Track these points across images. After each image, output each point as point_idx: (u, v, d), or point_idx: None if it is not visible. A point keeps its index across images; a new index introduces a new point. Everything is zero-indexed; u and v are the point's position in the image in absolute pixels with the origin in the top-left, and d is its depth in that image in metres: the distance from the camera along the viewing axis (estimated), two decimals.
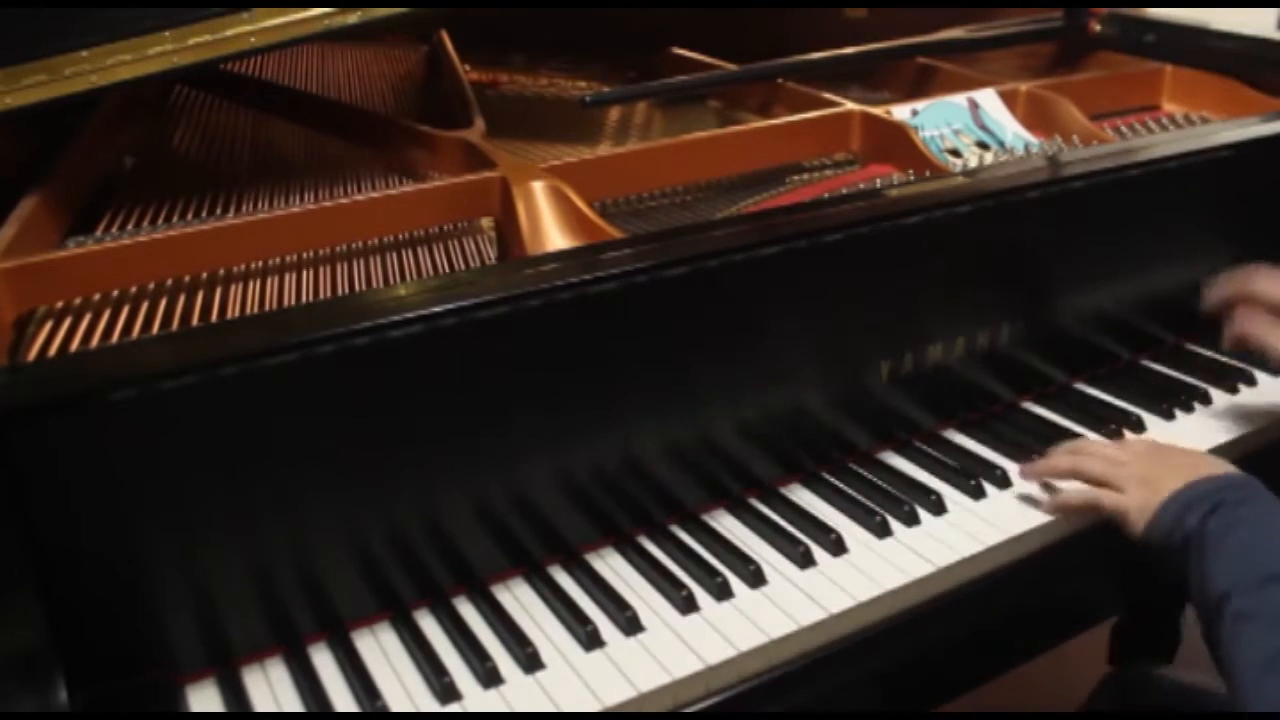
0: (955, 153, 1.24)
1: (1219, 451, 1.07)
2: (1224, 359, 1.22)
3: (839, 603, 0.86)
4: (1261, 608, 0.78)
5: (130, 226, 1.03)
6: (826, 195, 1.12)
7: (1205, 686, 1.04)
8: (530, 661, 0.80)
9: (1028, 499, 0.99)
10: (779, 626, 0.84)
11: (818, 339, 0.98)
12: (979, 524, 0.96)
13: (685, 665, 0.80)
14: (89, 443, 0.70)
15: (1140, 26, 1.56)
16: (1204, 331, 1.26)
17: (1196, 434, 1.09)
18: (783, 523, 0.95)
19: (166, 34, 0.93)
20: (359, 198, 1.02)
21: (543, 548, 0.90)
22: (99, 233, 1.02)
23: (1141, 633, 1.72)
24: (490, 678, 0.79)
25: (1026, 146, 1.25)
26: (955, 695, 1.02)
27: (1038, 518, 0.96)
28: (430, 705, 0.77)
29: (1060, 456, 0.99)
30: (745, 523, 0.96)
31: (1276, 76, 1.39)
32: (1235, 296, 1.05)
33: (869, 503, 0.98)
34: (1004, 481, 1.01)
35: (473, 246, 1.04)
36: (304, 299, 0.94)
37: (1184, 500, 0.87)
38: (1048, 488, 0.99)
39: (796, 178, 1.22)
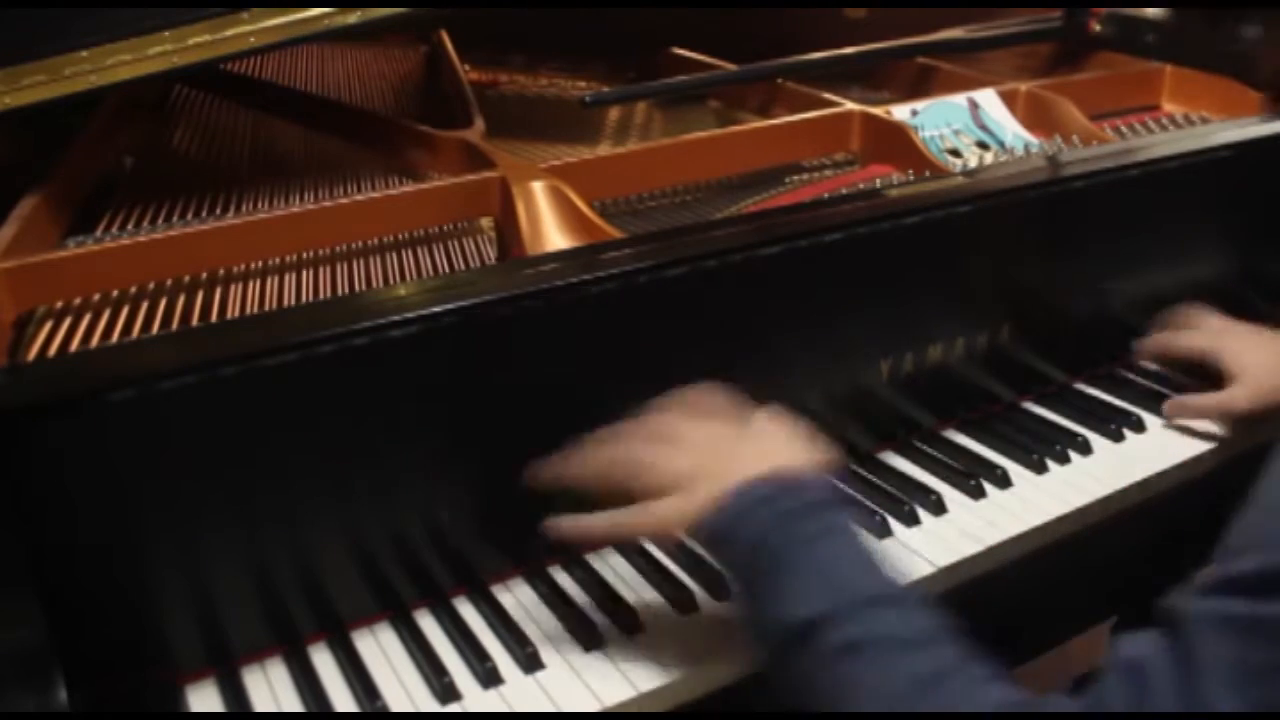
0: (955, 153, 1.24)
1: (1226, 446, 1.07)
2: None
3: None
4: (873, 634, 0.66)
5: (130, 226, 1.03)
6: (826, 195, 1.12)
7: None
8: (530, 661, 0.80)
9: (1027, 499, 0.99)
10: None
11: (817, 339, 0.98)
12: (979, 524, 0.96)
13: (685, 665, 0.80)
14: (89, 443, 0.70)
15: (1140, 26, 1.56)
16: None
17: (1196, 434, 1.09)
18: None
19: (166, 34, 0.93)
20: (359, 198, 1.02)
21: (544, 548, 0.90)
22: (99, 233, 1.02)
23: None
24: (490, 678, 0.79)
25: (1026, 146, 1.25)
26: None
27: (1037, 518, 0.96)
28: (430, 705, 0.77)
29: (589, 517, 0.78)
30: None
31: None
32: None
33: (869, 502, 0.98)
34: (1004, 481, 1.01)
35: (473, 246, 1.04)
36: (304, 299, 0.94)
37: (754, 496, 0.71)
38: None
39: (796, 178, 1.22)
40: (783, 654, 0.68)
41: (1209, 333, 1.09)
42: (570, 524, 0.77)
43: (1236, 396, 1.03)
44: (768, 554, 0.69)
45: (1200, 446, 1.07)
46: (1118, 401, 1.15)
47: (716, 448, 0.75)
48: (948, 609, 0.91)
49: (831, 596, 0.67)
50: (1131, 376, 1.19)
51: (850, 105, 1.27)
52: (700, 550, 0.92)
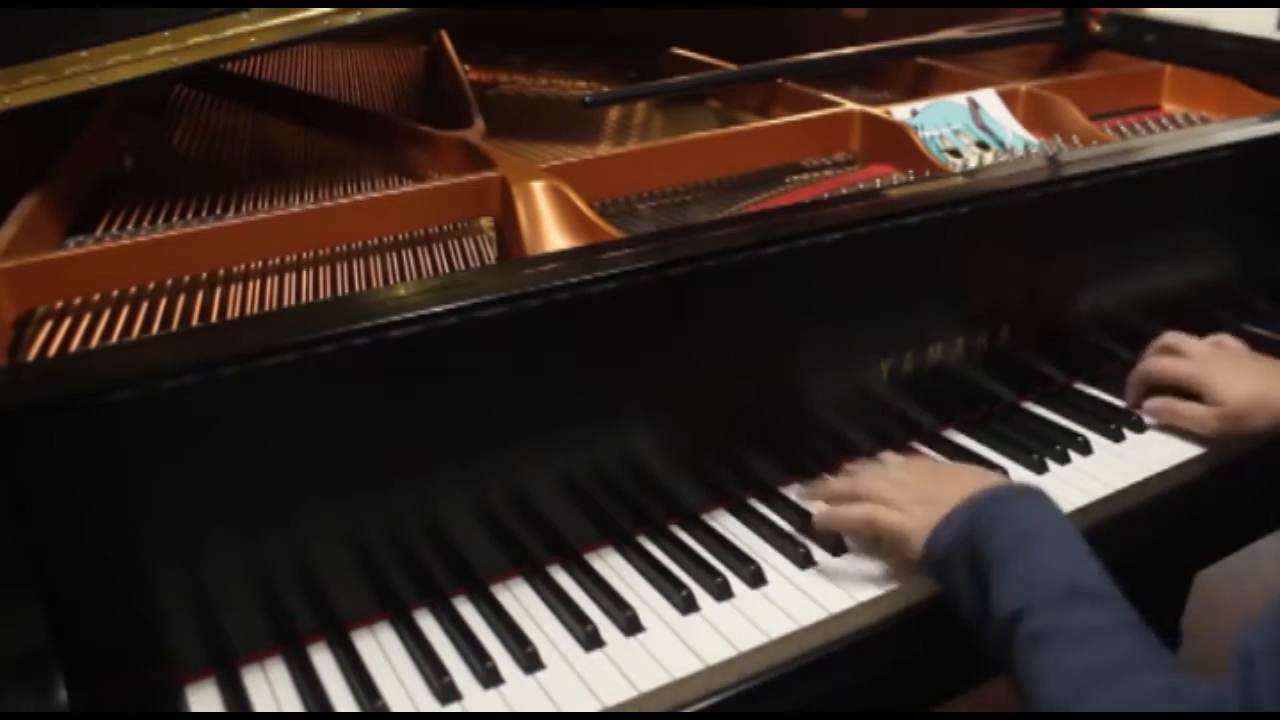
0: (955, 153, 1.24)
1: (1227, 446, 1.07)
2: None
3: (839, 602, 0.86)
4: (1062, 624, 0.73)
5: (130, 226, 1.03)
6: (826, 195, 1.13)
7: None
8: (530, 661, 0.80)
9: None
10: (779, 626, 0.84)
11: (818, 339, 0.98)
12: None
13: (685, 665, 0.80)
14: (89, 443, 0.70)
15: (1140, 26, 1.56)
16: (1204, 331, 1.26)
17: (1197, 434, 1.09)
18: (782, 523, 0.95)
19: (166, 34, 0.93)
20: (359, 198, 1.02)
21: (543, 548, 0.90)
22: (99, 233, 1.02)
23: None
24: (490, 678, 0.79)
25: (1026, 146, 1.25)
26: (955, 695, 1.02)
27: None
28: (430, 705, 0.77)
29: (840, 480, 0.95)
30: (745, 523, 0.96)
31: (1276, 76, 1.39)
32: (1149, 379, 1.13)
33: None
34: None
35: (473, 246, 1.04)
36: (304, 299, 0.94)
37: (964, 516, 0.82)
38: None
39: (796, 178, 1.22)
40: (998, 647, 0.76)
41: (1194, 360, 1.10)
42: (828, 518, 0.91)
43: (1211, 418, 1.05)
44: (981, 564, 0.78)
45: (1201, 447, 1.07)
46: (1118, 401, 1.15)
47: (942, 477, 0.90)
48: (947, 608, 0.91)
49: (1028, 592, 0.75)
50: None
51: (850, 105, 1.27)
52: (700, 550, 0.92)
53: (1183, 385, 1.09)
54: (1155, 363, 1.12)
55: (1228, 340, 1.14)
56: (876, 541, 0.90)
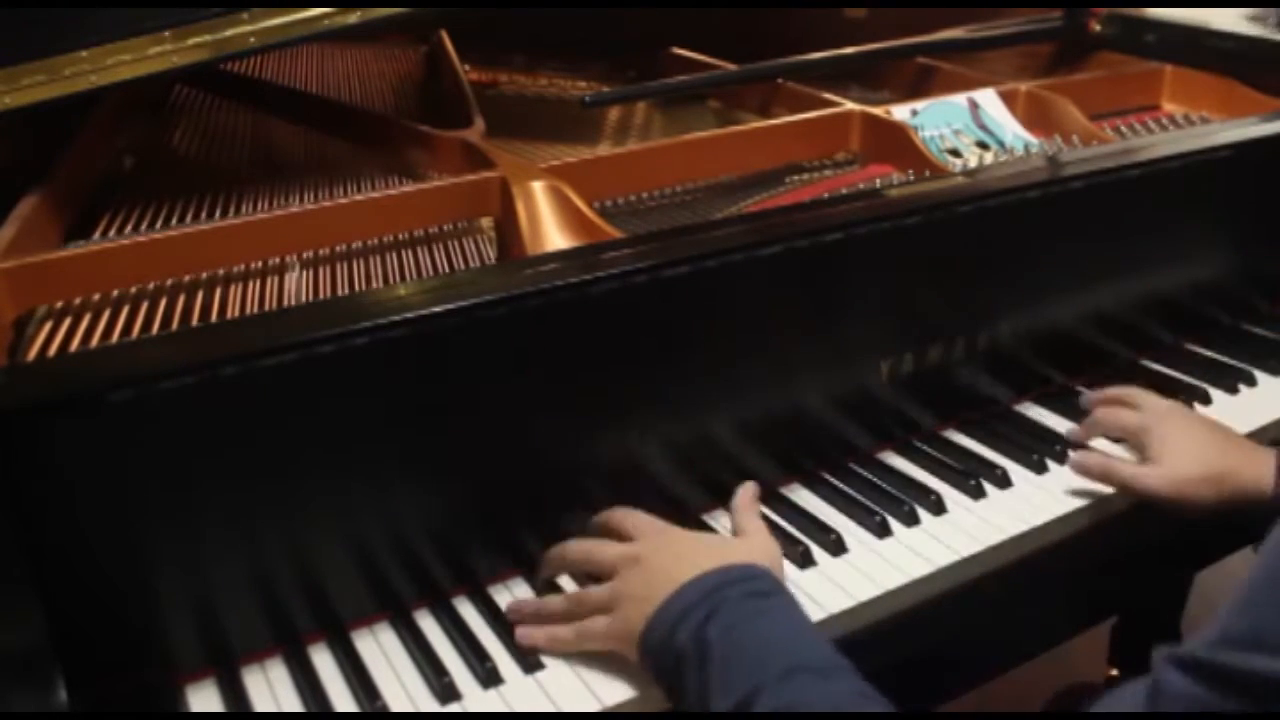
0: (955, 153, 1.24)
1: None
2: (1223, 359, 1.22)
3: (839, 602, 0.86)
4: (789, 701, 0.69)
5: (130, 227, 1.03)
6: (826, 195, 1.13)
7: None
8: (530, 661, 0.80)
9: (1027, 499, 0.99)
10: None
11: (818, 339, 0.98)
12: (979, 524, 0.96)
13: None
14: (88, 443, 0.70)
15: (1140, 26, 1.56)
16: (1204, 332, 1.26)
17: None
18: (782, 522, 0.95)
19: (166, 34, 0.93)
20: (359, 198, 1.02)
21: (543, 548, 0.90)
22: (99, 233, 1.02)
23: (1141, 633, 1.72)
24: (490, 678, 0.79)
25: (1026, 146, 1.25)
26: (955, 694, 1.02)
27: (1037, 518, 0.96)
28: (430, 705, 0.77)
29: (546, 600, 0.85)
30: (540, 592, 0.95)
31: (1276, 76, 1.39)
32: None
33: (869, 503, 0.98)
34: (1004, 481, 1.01)
35: (473, 246, 1.04)
36: (304, 299, 0.94)
37: (673, 615, 0.75)
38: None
39: (796, 178, 1.22)
40: None
41: (1146, 412, 1.03)
42: (539, 635, 0.82)
43: (1149, 475, 0.97)
44: (694, 665, 0.73)
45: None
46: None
47: (648, 569, 0.81)
48: (947, 609, 0.92)
49: (749, 677, 0.70)
50: (1131, 377, 1.19)
51: (850, 105, 1.27)
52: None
53: (1127, 436, 1.04)
54: (1100, 412, 1.06)
55: (1260, 378, 1.10)
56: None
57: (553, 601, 0.84)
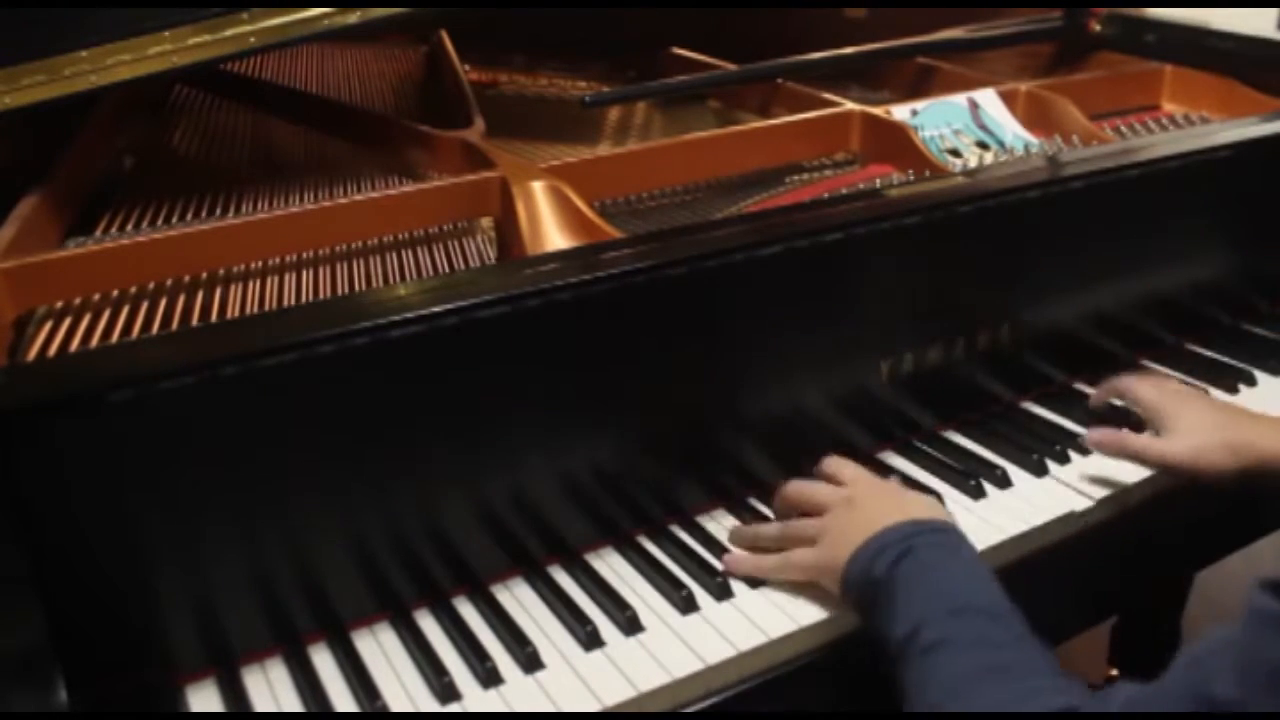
0: (955, 153, 1.24)
1: None
2: (1223, 359, 1.22)
3: (838, 603, 0.86)
4: (952, 635, 0.75)
5: (130, 226, 1.03)
6: (826, 195, 1.12)
7: None
8: (530, 661, 0.80)
9: (1028, 500, 0.99)
10: (779, 626, 0.84)
11: (817, 338, 0.98)
12: (979, 524, 0.96)
13: (685, 665, 0.80)
14: (88, 443, 0.70)
15: (1140, 26, 1.56)
16: (1204, 332, 1.26)
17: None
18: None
19: (166, 34, 0.93)
20: (359, 198, 1.02)
21: (543, 548, 0.90)
22: (99, 233, 1.02)
23: (1141, 633, 1.72)
24: (490, 678, 0.79)
25: (1026, 146, 1.25)
26: None
27: (1037, 518, 0.96)
28: (430, 705, 0.77)
29: (767, 527, 0.93)
30: (745, 523, 0.96)
31: (1276, 76, 1.39)
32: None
33: None
34: (1004, 481, 1.01)
35: (473, 246, 1.04)
36: (304, 299, 0.94)
37: (872, 551, 0.82)
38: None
39: (796, 178, 1.22)
40: (896, 670, 0.78)
41: (1163, 391, 1.04)
42: (746, 563, 0.90)
43: (1167, 444, 0.98)
44: (885, 592, 0.80)
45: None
46: (1117, 402, 1.14)
47: (857, 511, 0.89)
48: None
49: (921, 609, 0.78)
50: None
51: (850, 105, 1.27)
52: (700, 550, 0.92)
53: (1142, 410, 1.04)
54: (1124, 378, 1.08)
55: (1260, 377, 1.12)
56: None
57: (767, 529, 0.92)
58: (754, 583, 0.88)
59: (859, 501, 0.90)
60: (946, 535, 0.84)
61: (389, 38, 1.63)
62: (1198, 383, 1.16)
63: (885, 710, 0.93)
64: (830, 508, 0.89)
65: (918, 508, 0.88)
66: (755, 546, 0.92)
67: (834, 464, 0.96)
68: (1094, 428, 1.04)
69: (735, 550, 0.92)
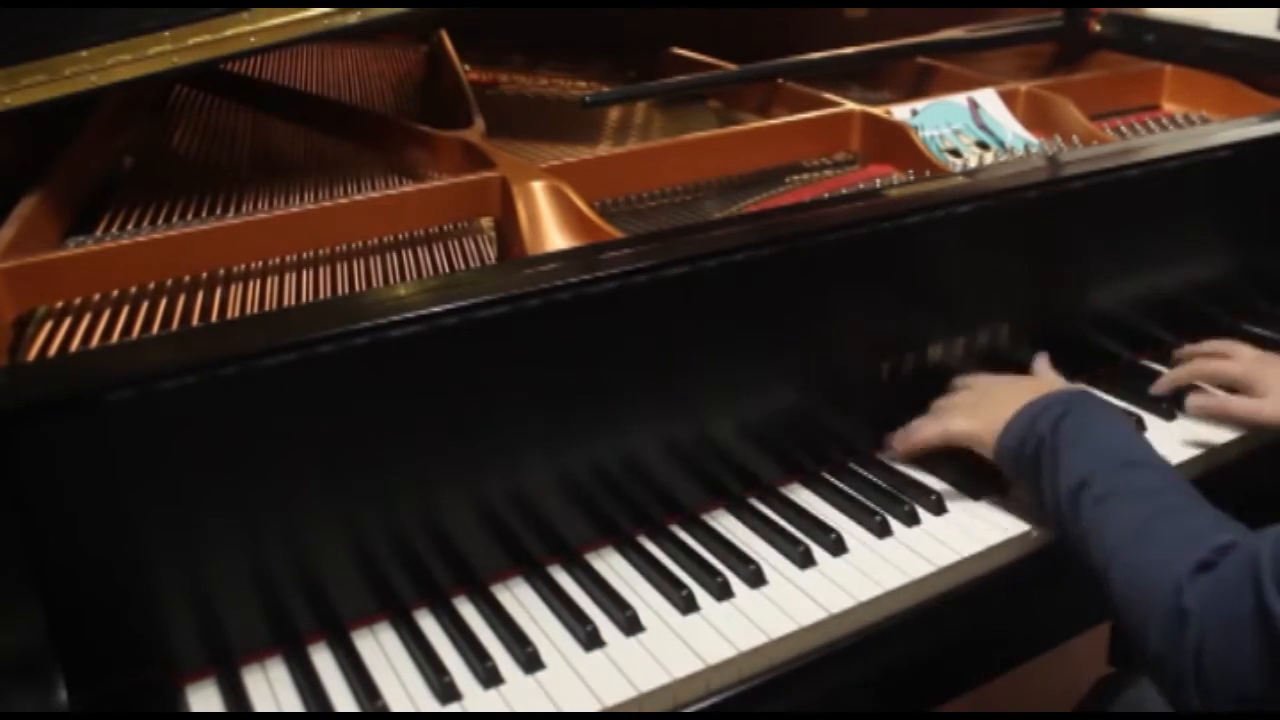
0: (955, 153, 1.24)
1: (1228, 448, 1.08)
2: None
3: (839, 602, 0.86)
4: (1123, 485, 0.85)
5: (130, 226, 1.03)
6: (826, 195, 1.12)
7: None
8: (530, 661, 0.80)
9: (1028, 499, 0.99)
10: (779, 626, 0.84)
11: (818, 339, 0.98)
12: (979, 524, 0.96)
13: (685, 665, 0.80)
14: (89, 443, 0.70)
15: (1140, 26, 1.56)
16: (1204, 331, 1.26)
17: (1197, 434, 1.09)
18: (783, 522, 0.95)
19: (166, 34, 0.93)
20: (359, 198, 1.02)
21: (543, 548, 0.90)
22: (99, 233, 1.02)
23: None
24: (490, 678, 0.79)
25: (1026, 146, 1.25)
26: (955, 695, 1.02)
27: (1038, 518, 0.96)
28: (430, 705, 0.77)
29: (914, 427, 1.03)
30: (745, 523, 0.96)
31: (1276, 76, 1.39)
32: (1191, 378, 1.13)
33: (869, 503, 0.98)
34: (1005, 481, 1.01)
35: (473, 246, 1.04)
36: (304, 299, 0.94)
37: (1033, 411, 0.93)
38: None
39: (796, 178, 1.22)
40: (1064, 521, 0.88)
41: (1243, 360, 1.10)
42: (907, 439, 1.03)
43: (1267, 406, 1.05)
44: (1049, 447, 0.90)
45: (1208, 443, 1.07)
46: (1119, 402, 1.14)
47: (1005, 384, 1.02)
48: (948, 608, 0.92)
49: (1091, 463, 0.87)
50: (1131, 377, 1.19)
51: (850, 105, 1.27)
52: (700, 550, 0.92)
53: (1234, 384, 1.09)
54: (1204, 364, 1.12)
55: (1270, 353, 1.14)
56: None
57: (918, 422, 1.02)
58: (754, 582, 0.88)
59: (1003, 381, 1.03)
60: (1097, 400, 0.96)
61: (389, 38, 1.63)
62: (1197, 383, 1.16)
63: (885, 710, 0.93)
64: (977, 386, 1.02)
65: (1057, 382, 1.02)
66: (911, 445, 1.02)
67: (954, 394, 1.05)
68: (1197, 395, 1.09)
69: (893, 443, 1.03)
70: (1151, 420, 1.11)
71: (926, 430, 1.00)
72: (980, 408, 0.99)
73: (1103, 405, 0.95)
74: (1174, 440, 1.08)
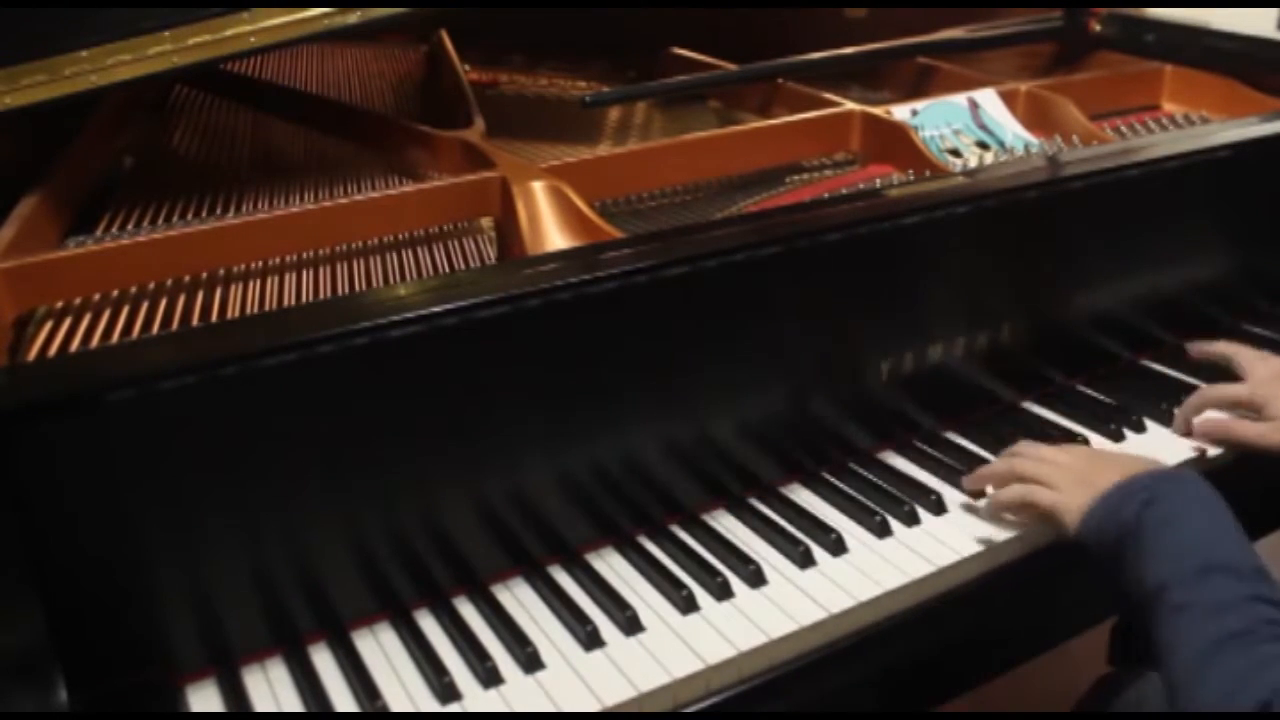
0: (955, 153, 1.24)
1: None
2: None
3: (839, 602, 0.86)
4: (1197, 598, 0.79)
5: (130, 226, 1.03)
6: (826, 195, 1.12)
7: None
8: (530, 661, 0.80)
9: None
10: (779, 626, 0.84)
11: (818, 339, 0.98)
12: (979, 524, 0.96)
13: (685, 665, 0.80)
14: (89, 443, 0.70)
15: (1140, 26, 1.56)
16: (1204, 332, 1.26)
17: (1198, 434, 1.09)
18: (783, 522, 0.95)
19: (166, 34, 0.93)
20: (359, 198, 1.02)
21: (543, 548, 0.90)
22: (99, 233, 1.02)
23: (1141, 633, 1.72)
24: (490, 678, 0.79)
25: (1026, 146, 1.25)
26: (955, 695, 1.02)
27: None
28: (430, 705, 0.77)
29: (998, 461, 1.00)
30: (745, 522, 0.96)
31: (1276, 76, 1.39)
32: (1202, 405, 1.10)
33: (869, 503, 0.98)
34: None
35: (473, 246, 1.04)
36: (304, 299, 0.94)
37: (1119, 495, 0.87)
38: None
39: (796, 178, 1.22)
40: (1146, 619, 0.82)
41: (1253, 379, 1.08)
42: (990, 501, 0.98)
43: (1272, 433, 1.02)
44: (1133, 538, 0.84)
45: (1203, 448, 1.07)
46: (1118, 402, 1.14)
47: (1097, 460, 0.96)
48: (948, 608, 0.91)
49: (1170, 567, 0.81)
50: (1131, 377, 1.19)
51: (850, 105, 1.27)
52: (700, 550, 0.92)
53: (1241, 406, 1.07)
54: (1207, 391, 1.10)
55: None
56: (1035, 519, 0.94)
57: (1001, 475, 0.97)
58: (754, 582, 0.88)
59: (1092, 456, 0.97)
60: (1187, 485, 0.87)
61: (389, 38, 1.63)
62: (1198, 383, 1.16)
63: (885, 710, 0.93)
64: (1063, 459, 0.95)
65: (1148, 463, 0.93)
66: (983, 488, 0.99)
67: (1040, 448, 0.99)
68: (1201, 420, 1.07)
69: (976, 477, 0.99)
70: (1151, 423, 1.11)
71: (1007, 495, 0.95)
72: (1065, 480, 0.93)
73: (1193, 489, 0.87)
74: (1179, 438, 1.08)
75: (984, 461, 1.04)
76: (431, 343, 0.79)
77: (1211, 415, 1.08)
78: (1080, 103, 1.31)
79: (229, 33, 0.95)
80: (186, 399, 0.72)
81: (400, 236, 1.05)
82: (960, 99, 1.31)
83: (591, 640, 0.82)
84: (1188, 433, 1.09)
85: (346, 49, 1.58)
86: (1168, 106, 1.48)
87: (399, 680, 0.80)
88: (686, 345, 0.91)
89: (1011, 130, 1.28)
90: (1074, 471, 0.93)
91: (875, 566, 0.90)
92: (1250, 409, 1.06)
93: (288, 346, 0.75)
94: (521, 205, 1.00)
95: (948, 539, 0.94)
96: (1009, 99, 1.32)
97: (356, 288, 0.96)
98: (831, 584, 0.88)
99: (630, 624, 0.84)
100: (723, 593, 0.87)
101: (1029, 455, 0.98)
